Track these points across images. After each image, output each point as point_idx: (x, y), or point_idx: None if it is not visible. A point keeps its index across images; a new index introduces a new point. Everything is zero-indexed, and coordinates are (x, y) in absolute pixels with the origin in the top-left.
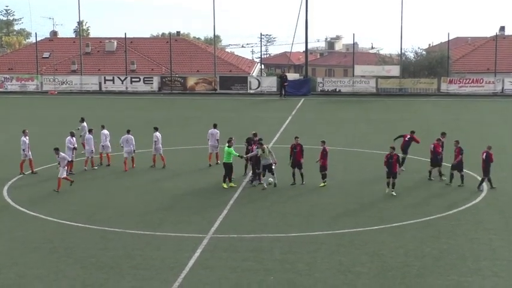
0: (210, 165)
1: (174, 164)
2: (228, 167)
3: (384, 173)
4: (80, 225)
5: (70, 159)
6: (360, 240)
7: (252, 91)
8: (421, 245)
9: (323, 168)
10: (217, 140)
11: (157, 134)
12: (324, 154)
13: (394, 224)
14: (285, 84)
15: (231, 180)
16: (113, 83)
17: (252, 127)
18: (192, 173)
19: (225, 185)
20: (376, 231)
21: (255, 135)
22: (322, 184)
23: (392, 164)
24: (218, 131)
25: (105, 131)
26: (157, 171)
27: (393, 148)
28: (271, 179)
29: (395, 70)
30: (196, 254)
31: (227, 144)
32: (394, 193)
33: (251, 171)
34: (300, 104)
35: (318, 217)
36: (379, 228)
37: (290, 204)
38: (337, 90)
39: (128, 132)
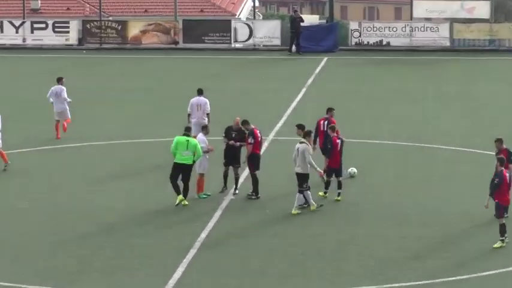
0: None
1: (107, 166)
2: (186, 171)
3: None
4: None
5: None
6: None
7: (239, 45)
8: None
9: (332, 170)
10: (208, 114)
11: None
12: (336, 146)
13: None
14: (298, 32)
15: (186, 195)
16: (1, 31)
17: (237, 109)
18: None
19: (184, 201)
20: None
21: (245, 123)
22: (321, 193)
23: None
24: (207, 101)
25: None
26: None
27: (500, 141)
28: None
29: (482, 9)
30: None
31: (191, 134)
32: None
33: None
34: (320, 68)
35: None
36: (455, 280)
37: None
38: (384, 43)
39: None
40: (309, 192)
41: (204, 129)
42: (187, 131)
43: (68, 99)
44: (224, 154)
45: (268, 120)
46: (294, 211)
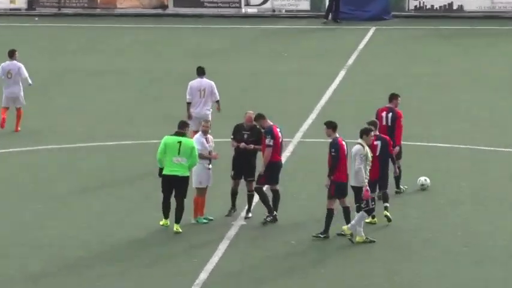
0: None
1: (68, 178)
2: (179, 185)
3: None
4: None
5: None
6: None
7: (251, 10)
8: None
9: (373, 183)
10: (218, 103)
11: None
12: (375, 149)
13: None
14: None
15: (179, 218)
16: None
17: (250, 100)
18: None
19: (176, 228)
20: None
21: (260, 119)
22: (368, 220)
23: None
24: (213, 83)
25: None
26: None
27: None
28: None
29: None
30: None
31: (187, 133)
32: None
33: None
34: (365, 42)
35: None
36: None
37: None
38: (455, 6)
39: None
40: (365, 214)
41: (205, 127)
42: (181, 128)
43: (30, 81)
44: (232, 162)
45: (293, 116)
46: (358, 238)
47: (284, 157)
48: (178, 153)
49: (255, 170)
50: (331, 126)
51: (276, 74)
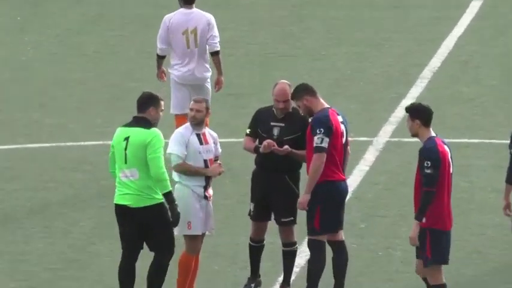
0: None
1: None
2: (142, 226)
3: None
4: None
5: None
6: None
7: None
8: None
9: None
10: (217, 56)
11: None
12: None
13: None
14: None
15: None
16: None
17: (283, 68)
18: None
19: None
20: None
21: (302, 95)
22: None
23: None
24: (212, 19)
25: None
26: None
27: None
28: None
29: None
30: None
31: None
32: None
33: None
34: None
35: None
36: None
37: None
38: None
39: None
40: None
41: (196, 110)
42: (140, 110)
43: None
44: (251, 186)
45: (373, 99)
46: None
47: (358, 173)
48: (125, 160)
49: (295, 201)
50: (419, 115)
51: (338, 25)
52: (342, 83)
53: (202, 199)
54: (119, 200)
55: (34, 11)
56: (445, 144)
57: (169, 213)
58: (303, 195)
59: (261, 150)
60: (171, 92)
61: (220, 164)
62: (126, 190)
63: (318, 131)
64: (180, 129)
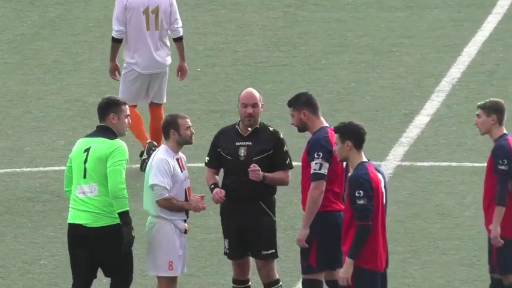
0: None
1: None
2: (99, 252)
3: None
4: None
5: None
6: None
7: None
8: None
9: None
10: (181, 39)
11: None
12: None
13: None
14: None
15: None
16: None
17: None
18: None
19: None
20: None
21: (297, 102)
22: None
23: None
24: None
25: None
26: None
27: None
28: None
29: None
30: None
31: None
32: None
33: None
34: None
35: None
36: None
37: None
38: None
39: None
40: None
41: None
42: (101, 118)
43: None
44: (222, 214)
45: (382, 116)
46: None
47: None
48: (84, 175)
49: (274, 231)
50: (349, 136)
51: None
52: (345, 97)
53: (182, 234)
54: (72, 218)
55: None
56: (379, 171)
57: (124, 236)
58: (301, 231)
59: (212, 199)
60: (120, 83)
61: (202, 196)
62: (83, 207)
63: (316, 155)
64: (162, 154)
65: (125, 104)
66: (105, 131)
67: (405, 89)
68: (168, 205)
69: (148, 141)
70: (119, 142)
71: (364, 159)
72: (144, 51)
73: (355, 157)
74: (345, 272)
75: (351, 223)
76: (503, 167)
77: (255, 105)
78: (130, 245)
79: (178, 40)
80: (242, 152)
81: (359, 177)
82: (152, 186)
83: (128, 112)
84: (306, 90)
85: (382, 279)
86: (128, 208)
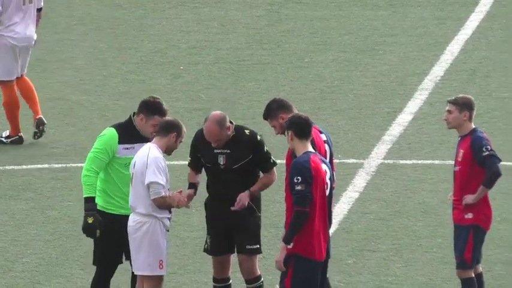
0: None
1: None
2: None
3: None
4: None
5: None
6: None
7: None
8: None
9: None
10: (40, 10)
11: None
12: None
13: None
14: None
15: None
16: None
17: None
18: None
19: None
20: None
21: (270, 112)
22: None
23: None
24: None
25: None
26: None
27: None
28: None
29: None
30: None
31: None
32: None
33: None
34: None
35: None
36: None
37: None
38: None
39: None
40: None
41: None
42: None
43: None
44: (207, 211)
45: (365, 114)
46: None
47: (347, 200)
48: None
49: (259, 226)
50: (291, 126)
51: (328, 20)
52: (328, 95)
53: (166, 233)
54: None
55: None
56: (325, 163)
57: (83, 222)
58: (280, 253)
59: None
60: None
61: (180, 191)
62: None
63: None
64: (156, 152)
65: (155, 114)
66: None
67: (388, 87)
68: (162, 203)
69: (38, 117)
70: (107, 130)
71: (310, 150)
72: (21, 26)
73: (299, 147)
74: (279, 256)
75: (292, 210)
76: (487, 153)
77: (218, 140)
78: (87, 233)
79: (39, 10)
80: (221, 160)
81: (299, 164)
82: (150, 184)
83: (156, 123)
84: (274, 97)
85: (323, 269)
86: (88, 195)
